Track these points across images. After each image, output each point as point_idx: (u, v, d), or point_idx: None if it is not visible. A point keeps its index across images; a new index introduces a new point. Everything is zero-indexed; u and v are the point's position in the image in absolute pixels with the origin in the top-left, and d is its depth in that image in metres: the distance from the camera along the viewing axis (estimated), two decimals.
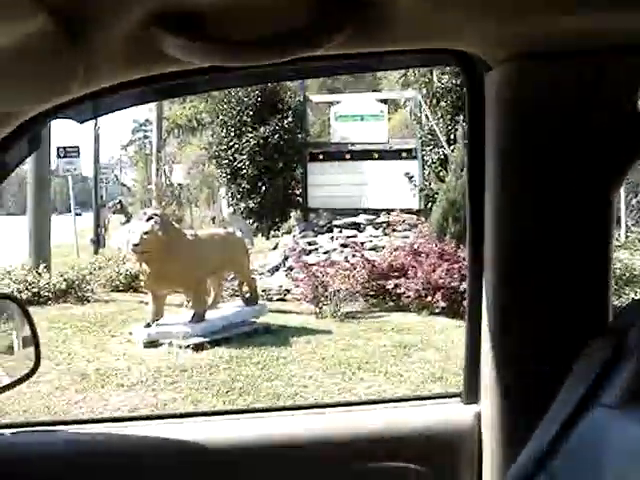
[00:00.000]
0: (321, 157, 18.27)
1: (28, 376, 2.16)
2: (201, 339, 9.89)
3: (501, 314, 1.78)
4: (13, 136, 1.67)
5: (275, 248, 17.04)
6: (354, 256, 13.40)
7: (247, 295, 11.72)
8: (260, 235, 20.04)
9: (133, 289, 13.78)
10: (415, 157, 17.29)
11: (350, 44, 1.45)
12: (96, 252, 19.48)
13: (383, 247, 14.42)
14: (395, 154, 17.59)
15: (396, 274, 12.32)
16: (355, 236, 15.88)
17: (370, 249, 14.51)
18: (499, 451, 1.83)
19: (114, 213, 37.02)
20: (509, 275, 1.75)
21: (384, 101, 18.98)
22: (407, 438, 2.06)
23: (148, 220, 10.09)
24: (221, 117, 19.89)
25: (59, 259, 16.97)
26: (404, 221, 15.69)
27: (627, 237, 16.30)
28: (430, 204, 15.60)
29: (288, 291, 13.42)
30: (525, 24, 1.48)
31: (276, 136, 18.55)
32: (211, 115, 24.17)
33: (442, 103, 16.95)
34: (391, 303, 12.36)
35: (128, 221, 25.03)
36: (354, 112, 18.20)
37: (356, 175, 17.63)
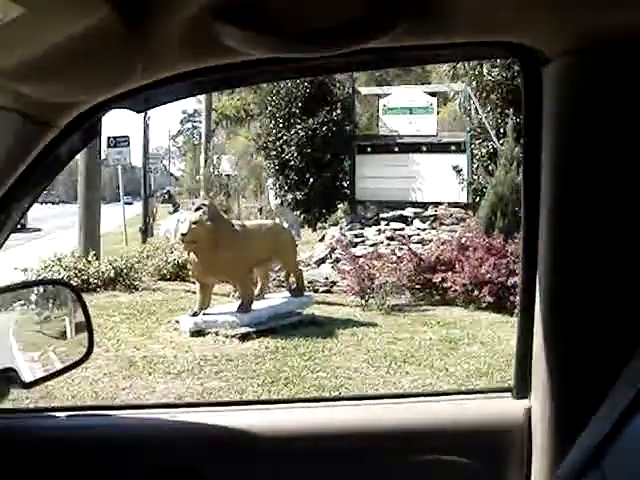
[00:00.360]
0: (369, 149, 18.25)
1: (81, 361, 2.20)
2: (247, 329, 9.94)
3: (553, 311, 1.76)
4: (72, 126, 1.70)
5: (322, 240, 17.06)
6: (401, 249, 13.37)
7: (293, 286, 11.76)
8: (307, 227, 20.09)
9: (180, 278, 13.89)
10: (464, 150, 17.19)
11: (406, 37, 1.44)
12: (144, 241, 19.67)
13: (430, 240, 14.37)
14: (444, 147, 17.51)
15: (443, 268, 12.28)
16: (402, 229, 15.84)
17: (417, 242, 14.47)
18: (549, 447, 1.81)
19: (162, 203, 37.41)
20: (563, 272, 1.73)
21: (433, 94, 18.88)
22: (457, 432, 2.06)
23: (197, 210, 10.15)
24: (270, 108, 19.94)
25: (108, 247, 17.19)
26: (452, 215, 15.62)
27: None
28: (478, 198, 15.51)
29: (334, 283, 13.44)
30: (585, 16, 1.46)
31: (324, 128, 18.56)
32: (259, 106, 24.24)
33: (492, 96, 16.80)
34: (437, 297, 12.33)
35: (176, 210, 25.27)
36: (403, 105, 18.14)
37: (404, 168, 17.57)
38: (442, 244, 13.08)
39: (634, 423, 1.29)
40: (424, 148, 17.61)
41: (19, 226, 1.89)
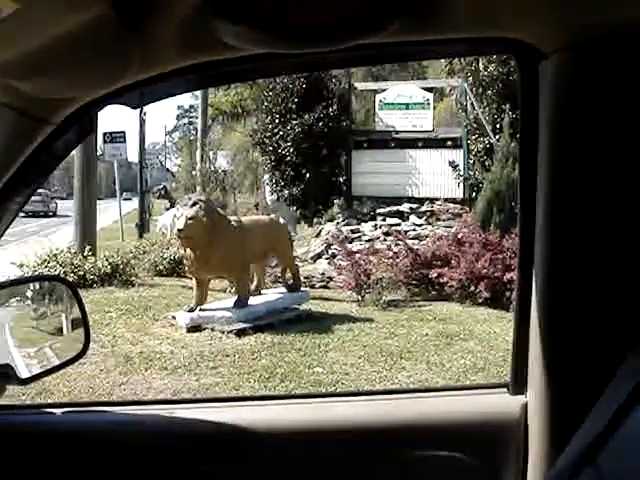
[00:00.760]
0: (365, 145, 18.28)
1: (77, 357, 2.19)
2: (244, 325, 9.94)
3: (550, 306, 1.76)
4: (68, 122, 1.70)
5: (318, 235, 17.07)
6: (397, 244, 13.37)
7: (290, 282, 11.77)
8: (303, 222, 20.08)
9: (177, 274, 13.88)
10: (460, 146, 17.22)
11: (404, 32, 1.44)
12: (141, 237, 19.67)
13: (426, 236, 14.39)
14: (440, 143, 17.55)
15: (439, 263, 12.29)
16: (398, 224, 15.87)
17: (413, 238, 14.49)
18: (545, 443, 1.82)
19: (158, 198, 37.37)
20: (559, 267, 1.73)
21: (430, 89, 18.90)
22: (453, 427, 2.06)
23: (193, 206, 10.14)
24: (266, 104, 19.94)
25: (104, 243, 17.16)
26: (448, 210, 15.64)
27: None
28: (474, 193, 15.54)
29: (330, 278, 13.44)
30: (582, 12, 1.46)
31: (321, 124, 18.56)
32: (256, 102, 24.25)
33: (488, 92, 16.81)
34: (434, 292, 12.33)
35: (172, 206, 25.23)
36: (399, 100, 18.16)
37: (400, 163, 17.61)
38: (438, 239, 13.08)
39: (630, 420, 1.29)
40: (420, 143, 17.64)
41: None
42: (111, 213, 25.18)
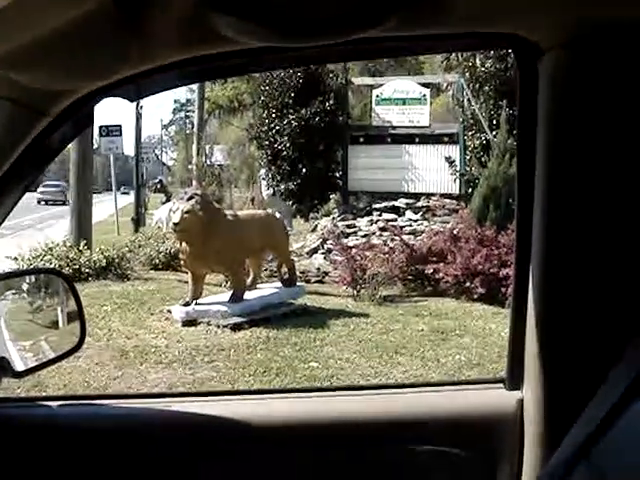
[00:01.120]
0: (362, 140, 18.24)
1: (73, 351, 2.19)
2: (239, 319, 9.94)
3: (546, 302, 1.77)
4: (65, 114, 1.69)
5: (314, 230, 17.07)
6: (393, 240, 13.40)
7: (285, 276, 11.77)
8: (299, 217, 20.08)
9: (172, 268, 13.88)
10: (457, 142, 17.20)
11: (403, 27, 1.44)
12: (136, 230, 19.65)
13: (422, 232, 14.40)
14: (436, 138, 17.52)
15: (435, 259, 12.30)
16: (394, 220, 15.86)
17: (409, 233, 14.50)
18: (540, 438, 1.82)
19: (154, 192, 37.37)
20: (556, 263, 1.73)
21: (426, 85, 18.87)
22: (449, 422, 2.06)
23: (189, 199, 10.13)
24: (262, 98, 19.91)
25: (99, 237, 17.16)
26: (444, 206, 15.64)
27: None
28: (471, 189, 15.53)
29: (326, 273, 13.46)
30: (581, 8, 1.46)
31: (317, 118, 18.54)
32: (252, 96, 24.27)
33: (485, 88, 16.80)
34: (429, 288, 12.35)
35: (168, 200, 25.24)
36: (396, 96, 18.12)
37: (397, 159, 17.59)
38: (434, 235, 13.10)
39: (625, 416, 1.29)
40: (417, 139, 17.62)
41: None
42: (107, 207, 25.16)
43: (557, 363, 1.76)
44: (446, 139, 17.45)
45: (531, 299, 1.80)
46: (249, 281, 11.24)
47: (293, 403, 2.23)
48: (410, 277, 12.57)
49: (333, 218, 17.09)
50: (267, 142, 19.63)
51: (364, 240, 14.34)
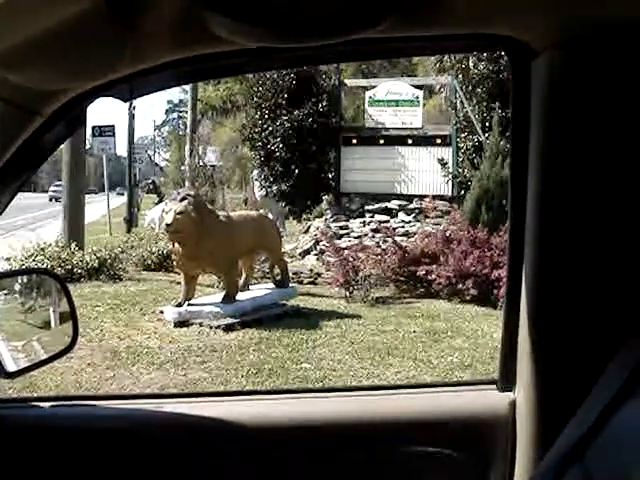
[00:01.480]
0: (354, 141, 18.24)
1: (65, 351, 2.18)
2: (231, 320, 9.93)
3: (539, 304, 1.77)
4: (58, 114, 1.69)
5: (307, 231, 17.08)
6: (385, 241, 13.41)
7: (278, 277, 11.77)
8: (292, 218, 20.09)
9: (165, 269, 13.87)
10: (449, 143, 17.21)
11: (398, 28, 1.44)
12: (129, 231, 19.62)
13: (415, 233, 14.42)
14: (429, 140, 17.53)
15: (427, 260, 12.30)
16: (387, 221, 15.88)
17: (402, 235, 14.52)
18: (533, 439, 1.82)
19: (147, 193, 37.32)
20: (549, 265, 1.74)
21: (419, 87, 18.88)
22: (441, 423, 2.06)
23: (182, 200, 10.12)
24: (255, 99, 19.89)
25: (92, 237, 17.13)
26: (436, 208, 15.64)
27: None
28: (463, 191, 15.54)
29: (319, 274, 13.46)
30: (574, 9, 1.46)
31: (310, 119, 18.53)
32: (245, 97, 24.20)
33: (478, 90, 16.81)
34: (422, 289, 12.36)
35: (161, 201, 25.19)
36: (389, 97, 18.13)
37: (389, 160, 17.60)
38: (427, 237, 13.09)
39: (617, 417, 1.29)
40: (409, 141, 17.62)
41: None
42: (100, 207, 25.12)
43: (549, 364, 1.76)
44: (439, 141, 17.46)
45: (524, 301, 1.81)
46: (241, 282, 11.23)
47: (285, 404, 2.22)
48: (402, 279, 12.57)
49: (326, 219, 17.10)
50: (260, 143, 19.61)
51: (357, 241, 14.35)
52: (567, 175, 1.66)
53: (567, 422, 1.44)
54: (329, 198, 19.09)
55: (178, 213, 9.95)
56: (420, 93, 18.34)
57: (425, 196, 16.25)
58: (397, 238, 13.51)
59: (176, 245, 10.36)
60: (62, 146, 15.88)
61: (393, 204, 16.88)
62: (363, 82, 21.95)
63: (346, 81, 21.03)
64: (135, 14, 1.30)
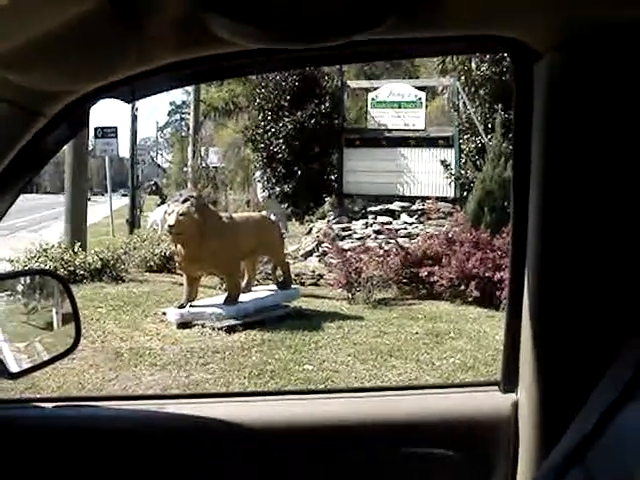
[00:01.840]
0: (357, 143, 18.26)
1: (68, 352, 2.18)
2: (234, 321, 9.93)
3: (542, 305, 1.77)
4: (61, 115, 1.69)
5: (309, 233, 17.07)
6: (388, 243, 13.39)
7: (280, 279, 11.76)
8: (294, 220, 20.08)
9: (167, 270, 13.86)
10: (452, 145, 17.23)
11: (400, 29, 1.44)
12: (131, 232, 19.61)
13: (417, 235, 14.41)
14: (432, 142, 17.55)
15: (430, 262, 12.29)
16: (389, 223, 15.87)
17: (404, 236, 14.51)
18: (535, 441, 1.82)
19: (149, 194, 37.32)
20: (551, 265, 1.74)
21: (422, 88, 18.89)
22: (444, 424, 2.06)
23: (184, 202, 10.12)
24: (258, 101, 19.95)
25: (94, 238, 17.15)
26: (439, 209, 15.63)
27: None
28: (466, 193, 15.55)
29: (321, 276, 13.44)
30: (577, 12, 1.46)
31: (313, 121, 18.58)
32: (248, 99, 24.27)
33: (480, 91, 16.85)
34: (424, 291, 12.34)
35: (163, 202, 25.18)
36: (392, 99, 18.15)
37: (392, 162, 17.61)
38: (429, 238, 13.08)
39: (619, 419, 1.29)
40: (412, 142, 17.64)
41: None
42: (102, 209, 25.13)
43: (552, 366, 1.76)
44: (441, 142, 17.48)
45: (526, 302, 1.81)
46: (244, 283, 11.23)
47: (287, 405, 2.23)
48: (405, 280, 12.56)
49: (328, 221, 17.10)
50: (262, 144, 19.66)
51: (359, 243, 14.34)
52: (569, 177, 1.66)
53: (569, 423, 1.44)
54: (331, 199, 19.10)
55: (180, 214, 9.95)
56: (423, 95, 18.35)
57: (428, 198, 16.26)
58: (399, 240, 13.50)
59: (178, 246, 10.35)
60: (65, 147, 15.90)
61: (395, 206, 16.89)
62: (366, 83, 21.96)
63: (349, 82, 21.06)
64: (138, 16, 1.30)
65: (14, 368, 2.11)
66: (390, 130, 18.01)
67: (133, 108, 24.57)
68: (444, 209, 15.69)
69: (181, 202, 10.16)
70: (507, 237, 10.70)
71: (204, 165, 26.24)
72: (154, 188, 39.61)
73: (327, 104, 18.89)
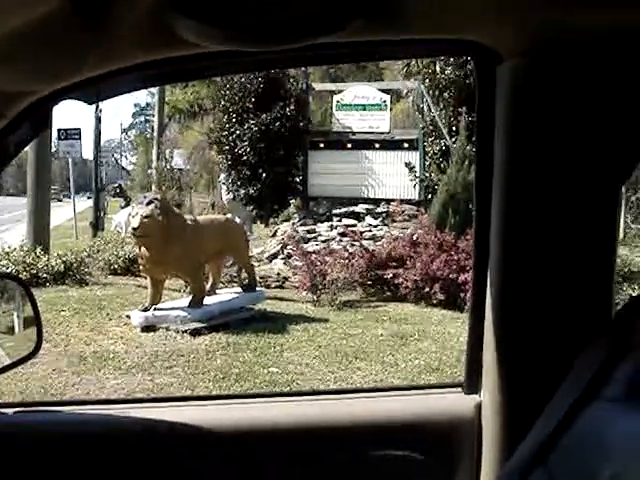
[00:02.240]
0: (322, 145, 18.29)
1: (29, 357, 2.16)
2: (199, 324, 9.88)
3: (504, 306, 1.78)
4: (22, 116, 1.67)
5: (274, 235, 17.04)
6: (353, 245, 13.40)
7: (245, 281, 11.75)
8: (259, 222, 20.05)
9: (131, 273, 13.75)
10: (416, 148, 17.31)
11: (363, 32, 1.44)
12: (95, 235, 19.45)
13: (382, 237, 14.44)
14: (396, 144, 17.62)
15: (394, 264, 12.32)
16: (354, 225, 15.91)
17: (369, 239, 14.53)
18: (498, 442, 1.83)
19: (113, 196, 37.03)
20: (514, 267, 1.75)
21: (387, 91, 18.97)
22: (408, 427, 2.07)
23: (148, 204, 10.06)
24: (223, 103, 19.89)
25: (58, 241, 16.98)
26: (404, 211, 15.70)
27: (626, 233, 16.39)
28: (430, 195, 15.62)
29: (286, 279, 13.42)
30: (540, 16, 1.47)
31: (278, 123, 18.56)
32: (213, 101, 24.18)
33: (445, 94, 16.94)
34: (389, 293, 12.37)
35: (127, 204, 25.03)
36: (356, 101, 18.20)
37: (357, 164, 17.66)
38: (394, 240, 13.12)
39: (581, 419, 1.30)
40: (377, 145, 17.70)
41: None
42: (66, 211, 24.89)
43: (514, 367, 1.78)
44: (406, 145, 17.55)
45: (489, 304, 1.82)
46: (208, 286, 11.20)
47: (251, 408, 2.22)
48: (370, 282, 12.58)
49: (293, 223, 17.10)
50: (227, 147, 19.61)
51: (324, 245, 14.34)
52: (531, 179, 1.68)
53: (532, 424, 1.44)
54: (296, 202, 19.11)
55: (144, 217, 9.89)
56: (387, 97, 18.43)
57: (392, 200, 16.32)
58: (364, 242, 13.52)
59: (142, 249, 10.28)
60: (27, 149, 15.73)
61: (360, 208, 16.93)
62: (331, 86, 22.01)
63: (314, 85, 21.09)
64: (101, 16, 1.29)
65: None
66: (355, 133, 18.06)
67: (97, 109, 24.39)
68: (409, 211, 15.76)
69: (145, 204, 10.09)
70: (471, 239, 10.74)
71: (169, 167, 26.11)
72: (118, 190, 39.31)
73: (292, 107, 18.88)
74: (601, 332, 1.43)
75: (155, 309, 10.18)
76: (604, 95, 1.61)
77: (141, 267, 10.93)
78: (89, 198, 24.58)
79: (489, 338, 1.84)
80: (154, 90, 33.88)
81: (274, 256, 15.29)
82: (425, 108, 17.64)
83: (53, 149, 20.10)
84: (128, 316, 10.38)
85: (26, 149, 15.66)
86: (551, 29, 1.52)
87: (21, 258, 12.90)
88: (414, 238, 12.66)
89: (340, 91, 19.06)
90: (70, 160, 23.08)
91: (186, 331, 9.71)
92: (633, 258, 12.01)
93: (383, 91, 18.73)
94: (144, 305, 10.28)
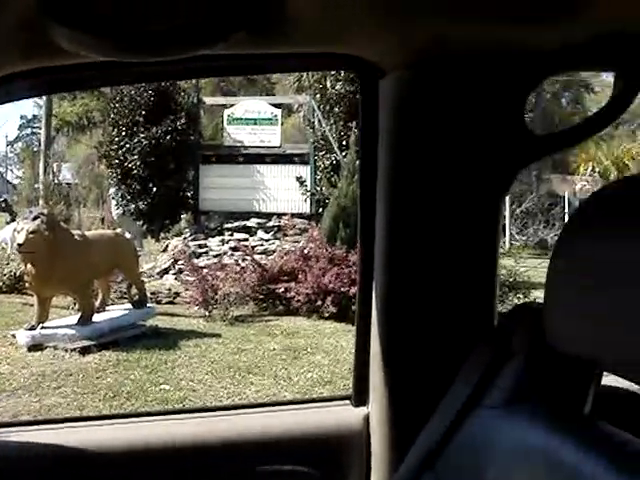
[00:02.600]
0: (213, 159, 18.21)
1: None
2: (88, 342, 9.66)
3: (389, 317, 1.80)
4: None
5: (165, 250, 16.85)
6: (244, 260, 13.36)
7: (135, 297, 11.54)
8: (150, 237, 19.77)
9: (17, 290, 13.36)
10: (307, 162, 17.41)
11: (247, 45, 1.45)
12: None
13: (274, 251, 14.44)
14: (288, 158, 17.69)
15: (286, 278, 12.34)
16: (246, 239, 15.86)
17: (261, 253, 14.52)
18: (387, 452, 1.85)
19: None
20: (398, 278, 1.77)
21: (278, 105, 19.02)
22: (297, 440, 2.06)
23: (34, 219, 9.81)
24: (112, 116, 19.56)
25: None
26: (295, 225, 15.73)
27: (511, 245, 16.86)
28: (321, 209, 15.72)
29: (177, 294, 13.28)
30: (420, 31, 1.50)
31: (168, 137, 18.36)
32: (102, 113, 23.81)
33: (335, 109, 17.09)
34: (281, 307, 12.38)
35: (13, 220, 24.31)
36: (247, 115, 18.18)
37: (248, 179, 17.64)
38: (285, 254, 13.15)
39: (466, 425, 1.33)
40: (268, 159, 17.73)
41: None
42: None
43: (401, 377, 1.80)
44: (297, 159, 17.65)
45: (374, 315, 1.83)
46: (98, 303, 10.98)
47: (136, 428, 2.18)
48: (262, 296, 12.57)
49: (184, 238, 16.93)
50: (117, 160, 19.28)
51: (215, 260, 14.25)
52: (415, 190, 1.71)
53: (420, 433, 1.46)
54: (188, 217, 18.93)
55: (30, 232, 9.64)
56: (279, 112, 18.48)
57: (284, 214, 16.34)
58: (256, 256, 13.50)
59: (29, 266, 10.02)
60: None
61: (252, 222, 16.91)
62: (222, 100, 21.94)
63: (205, 99, 20.99)
64: None
65: None
66: (246, 147, 18.05)
67: None
68: (300, 225, 15.80)
69: (31, 220, 9.85)
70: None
71: (56, 181, 25.52)
72: (3, 205, 38.15)
73: (183, 120, 18.71)
74: (484, 340, 1.47)
75: (42, 327, 9.91)
76: (485, 108, 1.66)
77: (27, 284, 10.64)
78: None
79: (375, 349, 1.86)
80: (41, 102, 33.11)
81: (165, 271, 15.11)
82: (316, 122, 17.76)
83: None
84: (14, 335, 10.07)
85: None
86: (432, 43, 1.55)
87: None
88: (306, 252, 12.71)
89: (231, 105, 19.02)
90: None
91: (75, 349, 9.48)
92: (518, 269, 12.32)
93: (274, 105, 18.78)
94: (30, 323, 9.99)
